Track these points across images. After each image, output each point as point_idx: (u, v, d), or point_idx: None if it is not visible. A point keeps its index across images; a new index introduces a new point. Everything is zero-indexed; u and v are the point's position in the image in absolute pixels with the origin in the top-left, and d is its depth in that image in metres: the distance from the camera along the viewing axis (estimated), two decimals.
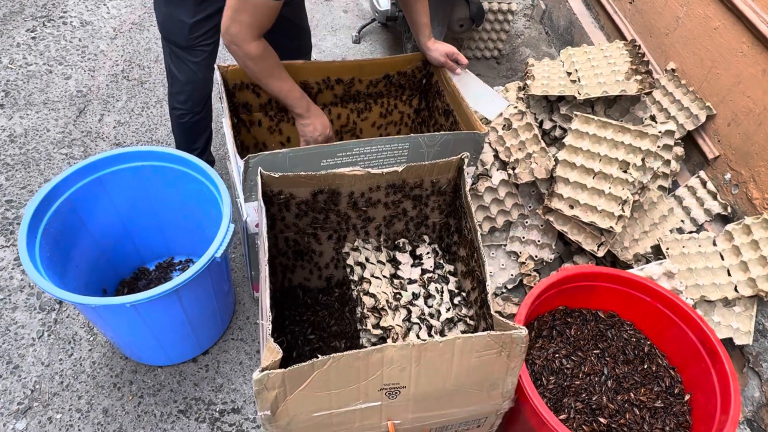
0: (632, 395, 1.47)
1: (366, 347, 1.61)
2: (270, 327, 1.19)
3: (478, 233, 1.43)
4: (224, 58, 2.96)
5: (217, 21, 1.81)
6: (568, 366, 1.51)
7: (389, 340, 1.56)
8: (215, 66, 1.74)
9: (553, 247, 2.06)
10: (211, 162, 2.22)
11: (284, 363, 1.12)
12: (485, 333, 1.20)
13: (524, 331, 1.20)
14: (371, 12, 3.18)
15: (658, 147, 2.04)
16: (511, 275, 2.09)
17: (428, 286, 1.71)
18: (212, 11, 1.75)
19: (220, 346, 1.88)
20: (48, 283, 1.39)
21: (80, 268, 1.70)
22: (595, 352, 1.55)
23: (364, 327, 1.56)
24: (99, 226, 1.76)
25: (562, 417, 1.41)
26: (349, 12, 3.46)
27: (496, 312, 2.03)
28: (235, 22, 1.45)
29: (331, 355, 1.13)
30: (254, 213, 1.63)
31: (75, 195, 1.63)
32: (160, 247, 1.99)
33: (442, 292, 1.71)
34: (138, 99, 2.66)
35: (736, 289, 1.80)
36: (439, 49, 1.86)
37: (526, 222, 2.07)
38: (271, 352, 1.14)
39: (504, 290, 2.11)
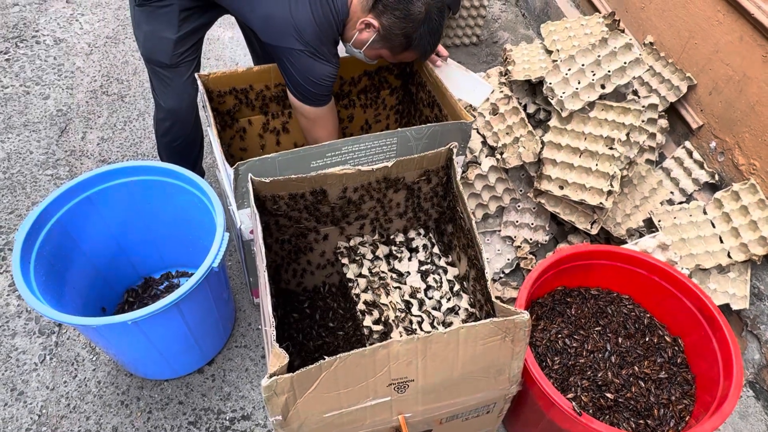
0: (636, 368, 1.49)
1: (369, 344, 1.63)
2: (274, 333, 1.19)
3: (473, 221, 1.44)
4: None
5: (200, 37, 1.80)
6: (571, 345, 1.53)
7: (392, 334, 1.57)
8: (196, 75, 1.72)
9: (547, 229, 2.08)
10: (201, 174, 2.21)
11: (290, 366, 1.12)
12: (488, 320, 1.21)
13: (526, 315, 1.22)
14: None
15: (643, 121, 2.05)
16: (508, 260, 2.10)
17: (427, 277, 1.72)
18: (197, 25, 1.73)
19: (224, 354, 1.88)
20: (46, 307, 1.38)
21: (77, 289, 1.69)
22: (596, 329, 1.57)
23: (364, 323, 1.57)
24: (92, 245, 1.75)
25: (569, 396, 1.43)
26: None
27: (495, 298, 2.05)
28: (322, 138, 1.74)
29: (338, 356, 1.14)
30: (248, 220, 1.63)
31: (65, 216, 1.62)
32: (156, 261, 1.99)
33: (441, 282, 1.72)
34: (119, 114, 2.64)
35: (729, 255, 1.83)
36: None
37: (519, 206, 2.09)
38: (277, 357, 1.14)
39: (502, 275, 2.12)
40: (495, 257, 2.12)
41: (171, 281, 2.00)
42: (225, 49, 3.07)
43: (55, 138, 2.50)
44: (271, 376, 1.11)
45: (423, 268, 1.75)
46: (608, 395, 1.42)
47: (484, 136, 2.08)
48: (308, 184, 1.51)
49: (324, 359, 1.13)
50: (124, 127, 2.58)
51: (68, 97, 2.70)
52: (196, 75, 1.72)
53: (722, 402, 1.29)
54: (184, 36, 1.72)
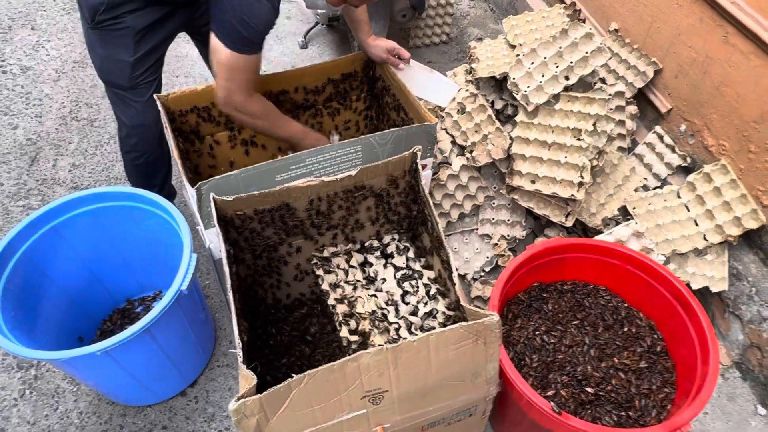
0: (616, 360, 1.48)
1: (348, 355, 1.62)
2: (241, 354, 1.18)
3: (440, 225, 1.43)
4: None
5: (159, 55, 1.77)
6: (549, 341, 1.51)
7: (369, 343, 1.55)
8: (155, 96, 1.70)
9: (524, 224, 2.07)
10: (172, 194, 2.19)
11: (276, 383, 1.11)
12: (457, 325, 1.20)
13: (496, 317, 1.20)
14: (313, 15, 3.14)
15: (610, 109, 2.04)
16: (487, 257, 2.09)
17: (403, 283, 1.71)
18: (153, 45, 1.71)
19: (206, 375, 1.86)
20: (14, 344, 1.36)
21: (50, 321, 1.67)
22: (574, 323, 1.56)
23: (341, 334, 1.55)
24: (63, 275, 1.72)
25: (549, 393, 1.41)
26: (292, 18, 3.42)
27: (476, 297, 2.04)
28: (232, 92, 1.52)
29: (306, 372, 1.12)
30: (216, 239, 1.61)
31: (31, 248, 1.59)
32: (132, 285, 1.96)
33: (418, 287, 1.70)
34: (90, 138, 2.61)
35: (705, 238, 1.82)
36: (379, 46, 1.84)
37: (494, 203, 2.07)
38: (245, 379, 1.13)
39: (482, 273, 2.11)
40: (474, 256, 2.11)
41: (148, 304, 1.98)
42: (194, 65, 3.04)
43: (25, 168, 2.48)
44: (238, 399, 1.10)
45: (399, 273, 1.73)
46: (588, 389, 1.41)
47: (453, 136, 2.07)
48: (273, 199, 1.50)
49: (293, 377, 1.12)
50: (96, 152, 2.55)
51: (37, 125, 2.67)
52: (155, 96, 1.70)
53: (701, 388, 1.28)
54: (142, 57, 1.70)
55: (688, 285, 1.78)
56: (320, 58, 3.14)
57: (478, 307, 2.00)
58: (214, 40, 1.44)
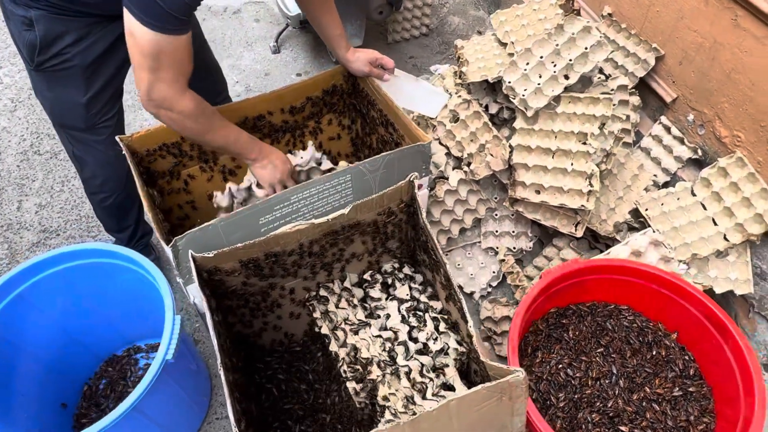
0: (648, 390, 1.36)
1: (357, 402, 1.49)
2: None
3: (447, 266, 1.29)
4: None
5: (115, 88, 1.59)
6: (575, 375, 1.39)
7: (379, 392, 1.43)
8: (117, 139, 1.53)
9: (530, 234, 1.93)
10: (148, 232, 2.02)
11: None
12: (479, 387, 1.07)
13: (521, 375, 1.07)
14: (283, 18, 2.95)
15: (614, 106, 1.90)
16: (493, 272, 1.96)
17: (409, 318, 1.57)
18: (107, 79, 1.53)
19: (205, 430, 1.73)
20: None
21: (28, 395, 1.52)
22: (598, 350, 1.44)
23: (348, 386, 1.43)
24: (36, 343, 1.57)
25: None
26: (261, 21, 3.22)
27: (485, 318, 1.91)
28: (156, 83, 1.20)
29: None
30: (199, 293, 1.46)
31: None
32: (114, 340, 1.81)
33: (425, 320, 1.57)
34: (55, 174, 2.43)
35: (725, 238, 1.70)
36: (360, 59, 1.68)
37: (496, 214, 1.94)
38: None
39: (489, 289, 1.98)
40: (479, 271, 1.98)
41: (132, 356, 1.83)
42: None
43: None
44: None
45: (403, 306, 1.60)
46: (622, 428, 1.30)
47: (447, 147, 1.92)
48: (259, 249, 1.35)
49: None
50: (63, 188, 2.37)
51: None
52: (117, 138, 1.53)
53: (747, 424, 1.16)
54: (96, 95, 1.53)
55: (711, 290, 1.67)
56: (295, 63, 2.95)
57: (491, 339, 1.88)
58: (129, 19, 1.12)
